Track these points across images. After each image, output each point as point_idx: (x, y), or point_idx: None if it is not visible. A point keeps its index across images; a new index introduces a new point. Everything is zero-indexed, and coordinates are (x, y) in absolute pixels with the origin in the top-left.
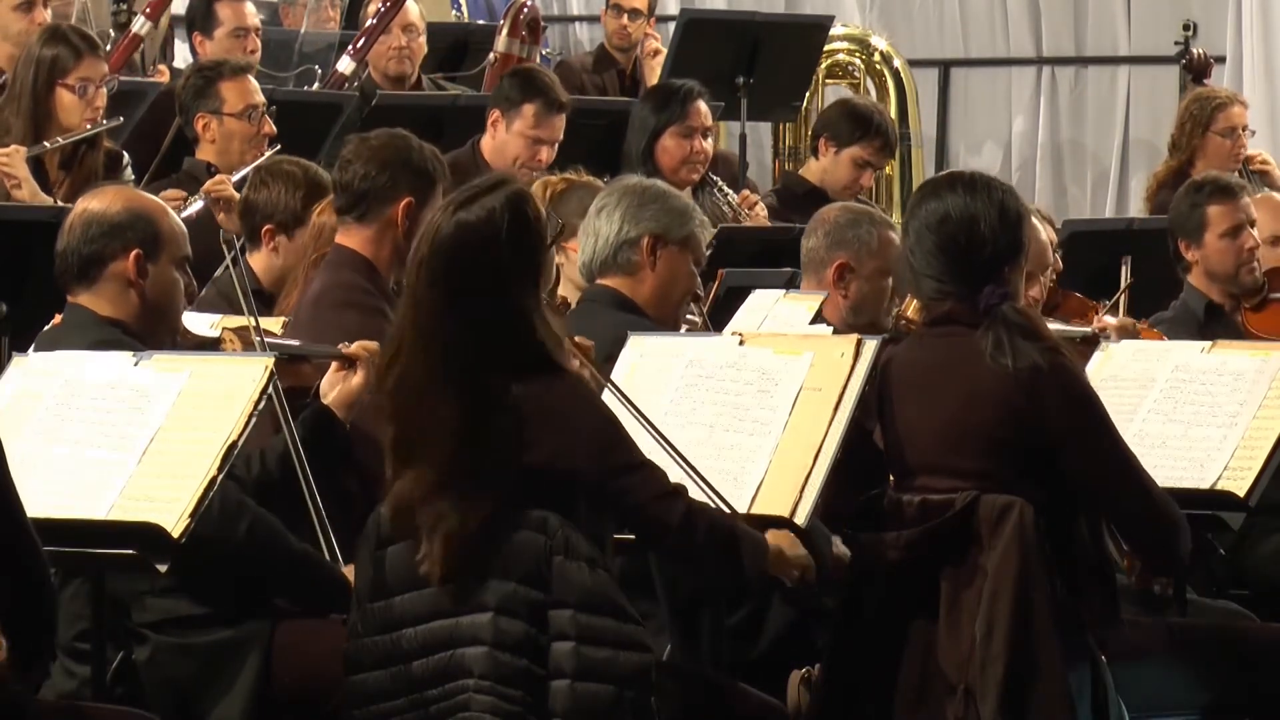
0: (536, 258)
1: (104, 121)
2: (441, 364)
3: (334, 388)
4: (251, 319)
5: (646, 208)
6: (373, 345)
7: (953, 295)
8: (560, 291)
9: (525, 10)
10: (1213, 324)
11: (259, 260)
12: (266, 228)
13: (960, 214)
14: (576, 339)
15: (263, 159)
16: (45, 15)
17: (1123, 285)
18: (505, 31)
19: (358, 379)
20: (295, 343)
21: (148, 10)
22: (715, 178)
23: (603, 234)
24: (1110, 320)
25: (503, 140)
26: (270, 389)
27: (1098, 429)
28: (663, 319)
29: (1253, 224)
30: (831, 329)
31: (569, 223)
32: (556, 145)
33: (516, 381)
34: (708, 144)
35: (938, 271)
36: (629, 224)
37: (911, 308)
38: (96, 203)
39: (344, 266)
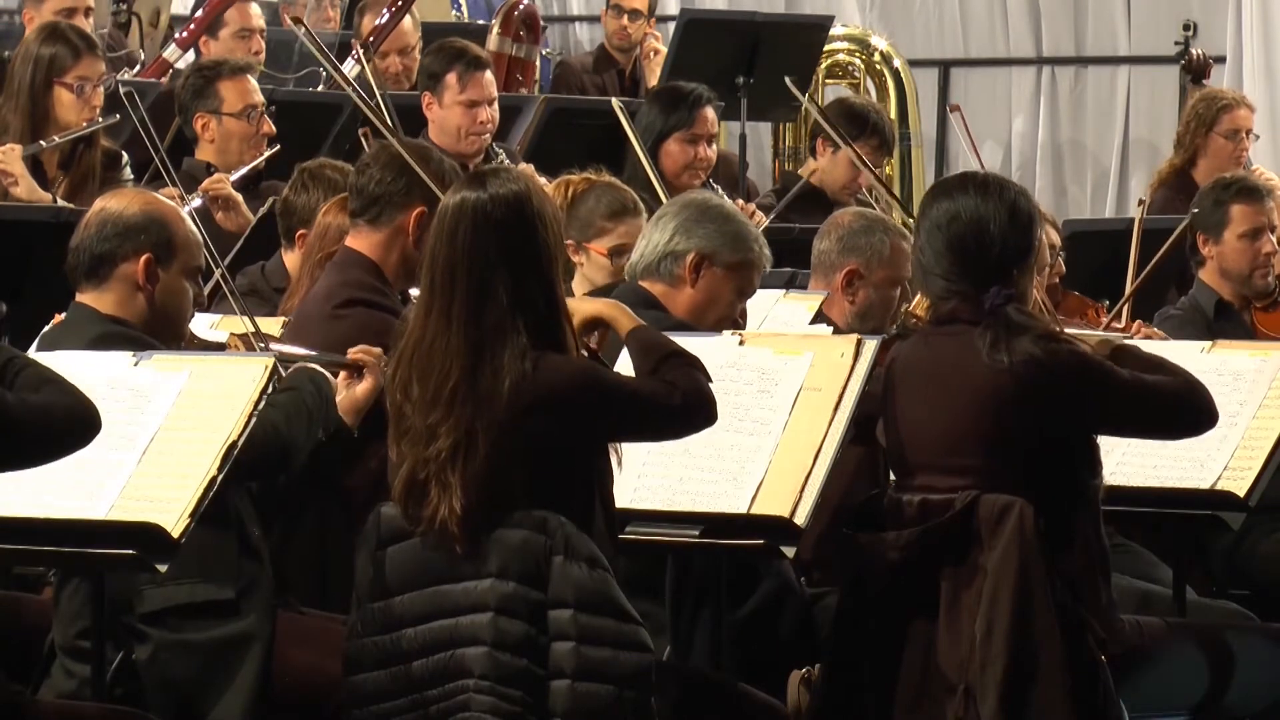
0: (553, 234)
1: (100, 120)
2: (453, 314)
3: (339, 393)
4: (249, 324)
5: (702, 224)
6: (377, 351)
7: (959, 294)
8: (575, 289)
9: (520, 8)
10: (1222, 321)
11: (291, 259)
12: (301, 232)
13: (970, 214)
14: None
15: (261, 159)
16: (88, 25)
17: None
18: (497, 30)
19: (365, 385)
20: (303, 351)
21: (179, 39)
22: (715, 185)
23: (653, 240)
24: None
25: (440, 118)
26: (273, 388)
27: (1114, 382)
28: None
29: (1273, 229)
30: (832, 329)
31: (592, 222)
32: (496, 104)
33: (530, 347)
34: (712, 151)
35: (945, 270)
36: (680, 236)
37: (922, 305)
38: (115, 203)
39: (351, 267)
